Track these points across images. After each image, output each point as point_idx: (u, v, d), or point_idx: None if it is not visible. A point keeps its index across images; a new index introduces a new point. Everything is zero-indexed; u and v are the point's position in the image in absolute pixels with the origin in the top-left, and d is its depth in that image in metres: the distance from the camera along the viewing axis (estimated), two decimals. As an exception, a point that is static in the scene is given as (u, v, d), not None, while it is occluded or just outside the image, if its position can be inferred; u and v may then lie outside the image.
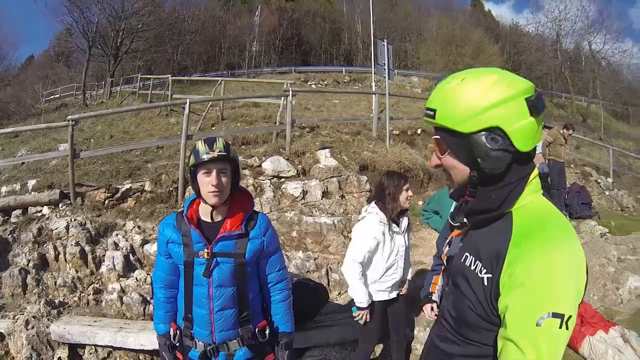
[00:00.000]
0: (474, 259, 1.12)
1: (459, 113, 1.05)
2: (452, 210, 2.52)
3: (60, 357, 3.88)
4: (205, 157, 1.81)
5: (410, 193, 3.12)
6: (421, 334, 4.00)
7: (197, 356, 1.99)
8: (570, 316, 0.92)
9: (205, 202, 1.91)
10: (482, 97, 1.03)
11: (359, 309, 3.00)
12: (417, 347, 3.96)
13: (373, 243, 3.00)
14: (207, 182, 1.84)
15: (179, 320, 2.09)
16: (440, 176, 8.10)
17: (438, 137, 1.16)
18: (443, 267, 2.62)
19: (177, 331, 2.07)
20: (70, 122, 6.54)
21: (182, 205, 6.49)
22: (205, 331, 1.97)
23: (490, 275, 1.05)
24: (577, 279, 0.97)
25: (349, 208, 6.78)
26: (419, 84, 27.12)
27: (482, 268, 1.08)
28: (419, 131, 10.71)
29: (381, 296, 3.14)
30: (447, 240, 2.49)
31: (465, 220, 1.23)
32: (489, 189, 1.11)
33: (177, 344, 2.08)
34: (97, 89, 24.67)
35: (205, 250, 1.91)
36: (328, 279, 5.16)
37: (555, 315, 0.91)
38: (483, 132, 1.04)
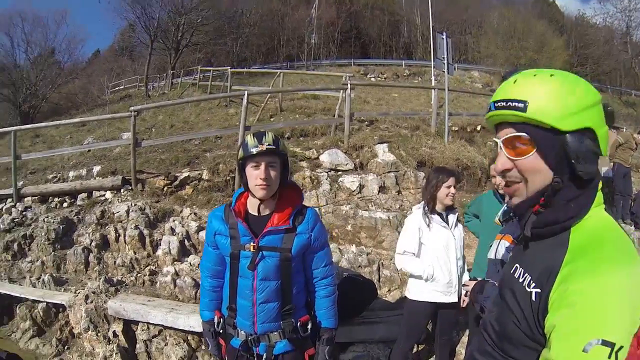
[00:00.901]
0: (523, 271, 1.07)
1: (560, 108, 0.98)
2: (500, 215, 2.46)
3: (115, 330, 4.18)
4: (254, 150, 1.86)
5: (452, 190, 3.08)
6: (466, 339, 3.94)
7: (238, 344, 2.08)
8: (621, 347, 0.84)
9: (253, 196, 1.95)
10: (582, 96, 0.99)
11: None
12: (462, 352, 3.90)
13: (416, 233, 3.07)
14: (255, 175, 1.89)
15: (223, 308, 2.18)
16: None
17: (519, 134, 1.03)
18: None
19: (221, 319, 2.16)
20: (133, 112, 7.04)
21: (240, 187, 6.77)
22: (247, 322, 2.04)
23: (539, 291, 0.99)
24: (634, 306, 0.88)
25: (405, 204, 6.67)
26: (479, 79, 26.52)
27: (531, 282, 1.02)
28: (478, 128, 10.46)
29: (432, 296, 3.12)
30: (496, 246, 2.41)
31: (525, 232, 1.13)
32: (567, 197, 1.03)
33: (221, 331, 2.18)
34: (159, 81, 26.19)
35: (252, 243, 1.96)
36: (379, 274, 5.13)
37: (605, 343, 0.84)
38: (578, 132, 0.98)
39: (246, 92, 7.52)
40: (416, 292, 3.18)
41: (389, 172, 7.14)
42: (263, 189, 1.89)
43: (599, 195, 1.04)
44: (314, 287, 2.18)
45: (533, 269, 1.03)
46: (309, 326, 2.12)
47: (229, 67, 17.73)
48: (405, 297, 3.35)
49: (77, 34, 47.12)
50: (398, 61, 31.85)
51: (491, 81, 26.35)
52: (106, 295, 4.43)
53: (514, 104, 1.01)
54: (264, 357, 2.06)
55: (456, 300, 3.15)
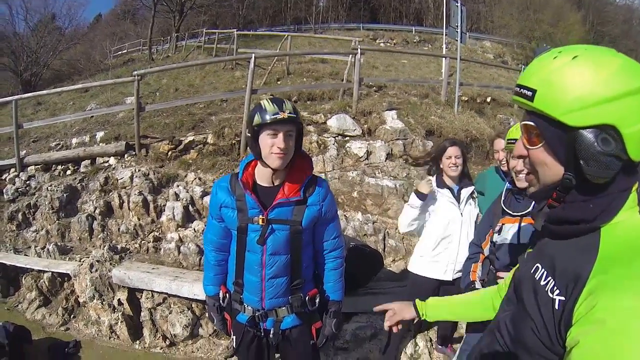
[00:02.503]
0: (545, 273, 0.97)
1: (568, 100, 0.86)
2: (503, 196, 2.33)
3: (120, 299, 4.16)
4: (273, 117, 1.74)
5: (454, 160, 2.91)
6: None
7: (245, 320, 2.02)
8: None
9: (265, 165, 1.85)
10: (602, 85, 0.84)
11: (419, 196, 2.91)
12: (463, 326, 3.86)
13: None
14: (271, 143, 1.78)
15: (228, 283, 2.11)
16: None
17: (531, 123, 0.96)
18: (482, 255, 2.38)
19: (227, 294, 2.10)
20: (136, 77, 6.87)
21: (243, 158, 6.66)
22: (255, 297, 1.99)
23: (563, 299, 0.89)
24: None
25: (412, 173, 6.59)
26: (491, 50, 26.04)
27: (555, 288, 0.92)
28: (488, 100, 10.28)
29: (435, 273, 3.05)
30: (498, 228, 2.27)
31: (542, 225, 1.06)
32: (583, 197, 0.93)
33: (226, 306, 2.11)
34: (163, 44, 25.64)
35: (261, 216, 1.87)
36: (384, 244, 5.10)
37: None
38: (593, 129, 0.85)
39: (253, 55, 7.25)
40: (417, 267, 3.13)
41: (397, 139, 7.04)
42: (280, 157, 1.79)
43: (633, 197, 0.93)
44: (323, 260, 2.12)
45: (557, 272, 0.94)
46: (317, 300, 2.08)
47: (234, 30, 17.28)
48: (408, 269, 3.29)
49: None
50: (408, 27, 30.99)
51: (503, 52, 25.93)
52: (110, 264, 4.39)
53: (524, 91, 0.95)
54: (272, 332, 2.01)
55: (451, 279, 3.04)
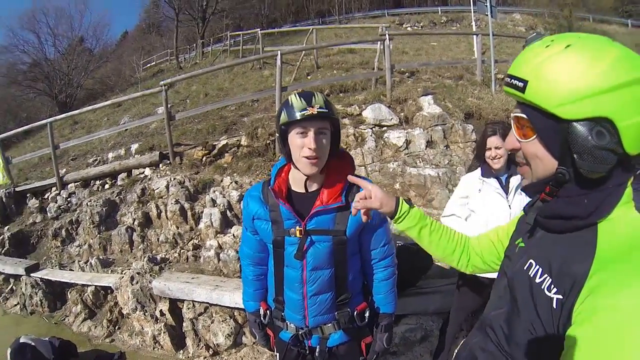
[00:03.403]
0: (541, 270, 0.95)
1: (561, 92, 0.84)
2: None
3: (161, 309, 4.15)
4: (300, 114, 1.53)
5: (494, 153, 2.63)
6: None
7: (288, 338, 1.86)
8: None
9: (297, 168, 1.64)
10: (598, 76, 0.81)
11: None
12: None
13: (461, 196, 2.82)
14: (301, 144, 1.56)
15: (269, 299, 1.96)
16: None
17: (523, 115, 0.94)
18: None
19: (267, 311, 1.94)
20: (164, 87, 6.94)
21: (278, 158, 6.55)
22: (297, 315, 1.82)
23: (561, 297, 0.87)
24: None
25: (454, 159, 6.36)
26: (522, 22, 25.19)
27: (553, 286, 0.90)
28: None
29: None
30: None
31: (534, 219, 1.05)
32: (578, 191, 0.92)
33: (268, 323, 1.96)
34: (190, 52, 26.24)
35: (298, 227, 1.68)
36: None
37: None
38: (587, 122, 0.83)
39: (279, 52, 7.16)
40: None
41: (435, 125, 6.77)
42: (313, 163, 1.57)
43: (628, 192, 0.91)
44: (372, 270, 1.90)
45: (553, 269, 0.92)
46: (367, 314, 1.87)
47: (258, 29, 17.33)
48: None
49: (101, 19, 48.33)
50: (434, 8, 30.73)
51: (535, 24, 24.99)
52: (150, 275, 4.38)
53: (514, 82, 0.92)
54: (317, 350, 1.83)
55: None
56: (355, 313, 1.84)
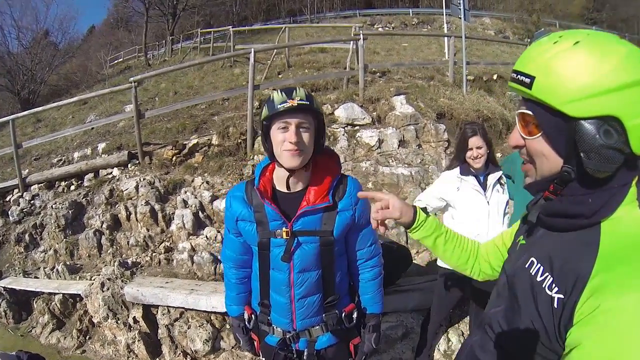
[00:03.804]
0: (542, 268, 0.94)
1: (570, 89, 0.82)
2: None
3: (135, 316, 3.98)
4: (281, 106, 1.49)
5: (475, 153, 2.71)
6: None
7: (275, 342, 1.81)
8: None
9: (280, 165, 1.59)
10: (607, 74, 0.80)
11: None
12: None
13: (436, 191, 2.91)
14: (282, 138, 1.52)
15: (254, 303, 1.90)
16: None
17: (529, 112, 0.92)
18: None
19: (252, 315, 1.88)
20: (133, 83, 6.67)
21: (250, 157, 6.41)
22: (284, 319, 1.77)
23: (562, 297, 0.86)
24: None
25: (426, 158, 6.48)
26: (491, 26, 26.02)
27: (554, 285, 0.89)
28: (495, 77, 10.13)
29: None
30: None
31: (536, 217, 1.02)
32: (582, 190, 0.90)
33: (252, 327, 1.90)
34: (159, 49, 25.64)
35: (284, 229, 1.62)
36: (407, 236, 4.89)
37: None
38: (595, 121, 0.82)
39: (252, 50, 7.06)
40: None
41: (408, 125, 6.86)
42: (293, 155, 1.53)
43: (633, 191, 0.89)
44: (358, 270, 1.86)
45: (555, 268, 0.91)
46: (355, 315, 1.85)
47: (230, 27, 17.04)
48: (436, 262, 3.12)
49: (68, 12, 46.36)
50: (405, 10, 31.28)
51: (504, 27, 25.85)
52: (122, 281, 4.20)
53: (521, 77, 0.90)
54: (305, 353, 1.78)
55: None
56: (343, 314, 1.81)
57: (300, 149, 1.52)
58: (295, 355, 1.82)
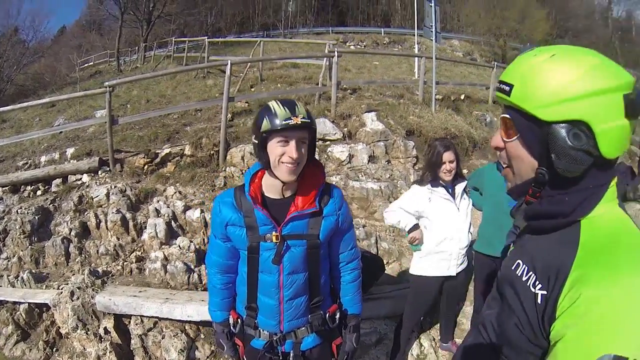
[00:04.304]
0: (526, 268, 0.99)
1: (542, 95, 0.89)
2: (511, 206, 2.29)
3: (106, 327, 3.84)
4: (285, 123, 1.53)
5: (448, 167, 2.93)
6: (468, 309, 4.08)
7: (261, 346, 1.85)
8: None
9: (273, 175, 1.65)
10: (575, 82, 0.86)
11: (409, 231, 3.02)
12: (463, 322, 4.03)
13: (412, 201, 3.04)
14: (282, 152, 1.58)
15: (239, 308, 1.93)
16: (485, 146, 7.93)
17: (507, 116, 0.99)
18: None
19: (239, 320, 1.91)
20: (108, 88, 6.51)
21: (223, 169, 6.37)
22: (272, 321, 1.82)
23: (545, 293, 0.91)
24: None
25: (395, 173, 6.63)
26: (460, 48, 26.92)
27: (537, 282, 0.94)
28: (462, 97, 10.54)
29: (439, 271, 3.08)
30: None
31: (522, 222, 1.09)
32: (558, 191, 0.96)
33: (237, 332, 1.92)
34: (131, 55, 25.00)
35: (274, 233, 1.69)
36: (377, 247, 5.01)
37: (617, 358, 0.77)
38: (565, 125, 0.88)
39: (229, 61, 7.07)
40: (420, 267, 3.12)
41: (378, 141, 7.03)
42: (292, 170, 1.60)
43: (612, 191, 0.95)
44: (339, 272, 1.96)
45: (537, 266, 0.96)
46: (337, 315, 1.94)
47: (205, 37, 16.92)
48: (409, 271, 3.27)
49: (41, 8, 44.45)
50: (377, 29, 31.81)
51: (472, 50, 26.82)
52: (93, 290, 4.06)
53: (503, 86, 0.98)
54: (291, 354, 1.84)
55: (454, 274, 3.10)
56: (327, 315, 1.90)
57: (297, 163, 1.59)
58: (280, 358, 1.86)
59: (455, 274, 3.10)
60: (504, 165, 1.06)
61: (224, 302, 1.94)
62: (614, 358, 0.77)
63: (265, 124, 1.56)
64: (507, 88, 0.96)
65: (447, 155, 2.91)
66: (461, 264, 3.12)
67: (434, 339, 3.82)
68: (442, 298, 3.46)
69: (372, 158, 6.82)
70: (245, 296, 1.84)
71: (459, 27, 31.50)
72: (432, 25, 9.01)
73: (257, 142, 1.62)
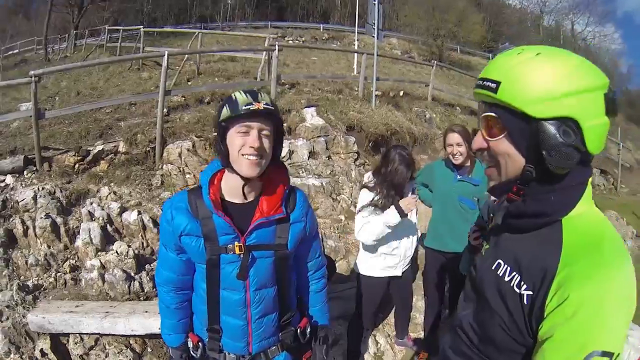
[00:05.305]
0: (509, 268, 0.98)
1: (532, 92, 0.88)
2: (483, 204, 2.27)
3: (42, 348, 3.40)
4: (246, 108, 1.34)
5: (413, 196, 2.87)
6: (419, 303, 4.03)
7: None
8: (619, 354, 0.82)
9: (233, 172, 1.43)
10: (564, 80, 0.87)
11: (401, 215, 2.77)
12: (416, 316, 4.02)
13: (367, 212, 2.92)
14: (242, 142, 1.38)
15: (198, 329, 1.67)
16: (425, 141, 8.07)
17: (493, 115, 0.95)
18: None
19: (200, 343, 1.65)
20: (33, 78, 5.79)
21: (159, 167, 5.96)
22: (240, 343, 1.58)
23: (531, 293, 0.91)
24: (629, 310, 0.85)
25: (336, 169, 6.64)
26: (398, 46, 27.35)
27: (522, 283, 0.93)
28: (401, 93, 10.75)
29: (386, 271, 3.06)
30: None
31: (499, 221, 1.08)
32: (544, 189, 0.95)
33: (199, 357, 1.66)
34: (60, 43, 22.83)
35: (237, 243, 1.45)
36: (323, 245, 4.85)
37: (605, 354, 0.81)
38: (555, 121, 0.87)
39: (166, 53, 6.69)
40: (367, 268, 3.06)
41: (318, 136, 6.96)
42: (254, 162, 1.38)
43: (589, 190, 0.97)
44: (306, 282, 1.80)
45: (522, 267, 0.95)
46: (308, 330, 1.75)
47: (141, 26, 15.78)
48: (355, 271, 3.23)
49: None
50: (316, 25, 31.72)
51: (410, 49, 27.31)
52: (24, 307, 3.60)
53: (487, 83, 0.95)
54: None
55: (400, 274, 3.08)
56: (298, 331, 1.71)
57: (260, 155, 1.39)
58: None
59: (400, 274, 3.09)
60: (488, 165, 1.03)
61: (180, 323, 1.68)
62: (602, 354, 0.80)
63: (225, 112, 1.38)
64: (493, 85, 0.93)
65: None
66: (407, 264, 3.12)
67: (388, 335, 3.81)
68: (395, 298, 3.47)
69: (312, 154, 6.74)
70: (206, 316, 1.59)
71: (397, 26, 32.00)
72: (374, 23, 9.06)
73: (217, 134, 1.43)
